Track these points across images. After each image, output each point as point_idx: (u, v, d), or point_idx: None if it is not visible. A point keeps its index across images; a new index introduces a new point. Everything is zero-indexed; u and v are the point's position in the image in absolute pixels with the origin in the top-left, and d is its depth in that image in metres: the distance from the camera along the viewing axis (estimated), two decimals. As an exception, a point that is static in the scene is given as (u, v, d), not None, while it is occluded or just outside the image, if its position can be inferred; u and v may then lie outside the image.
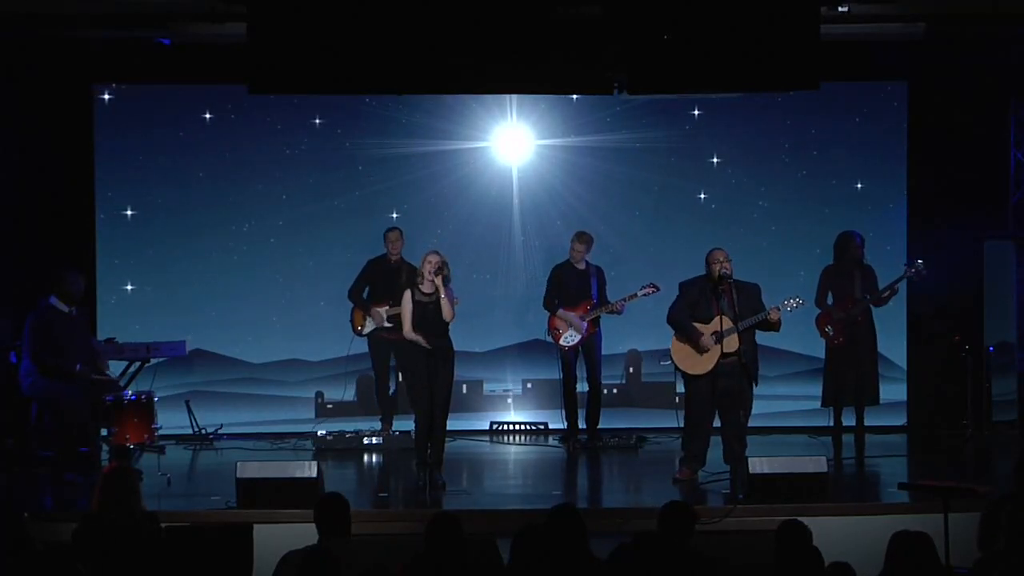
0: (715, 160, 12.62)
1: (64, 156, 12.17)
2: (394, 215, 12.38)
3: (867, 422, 11.83)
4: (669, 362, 10.10)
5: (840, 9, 10.01)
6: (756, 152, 12.63)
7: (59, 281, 10.39)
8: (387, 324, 11.60)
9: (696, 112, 12.54)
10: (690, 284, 9.97)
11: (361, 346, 12.06)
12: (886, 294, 11.72)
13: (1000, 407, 12.09)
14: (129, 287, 12.42)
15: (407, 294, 9.76)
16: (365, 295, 11.87)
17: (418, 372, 9.73)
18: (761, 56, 9.39)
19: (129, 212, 12.41)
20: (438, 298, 9.66)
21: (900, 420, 12.50)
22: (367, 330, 11.86)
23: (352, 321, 11.90)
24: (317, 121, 12.46)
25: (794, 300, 9.99)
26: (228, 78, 11.27)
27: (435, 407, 9.72)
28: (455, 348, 9.87)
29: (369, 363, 12.07)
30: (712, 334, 9.76)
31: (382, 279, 11.66)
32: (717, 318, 9.73)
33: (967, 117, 12.30)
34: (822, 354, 11.99)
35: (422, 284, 9.70)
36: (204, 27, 10.19)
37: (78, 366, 10.26)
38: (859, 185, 12.62)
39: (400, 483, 10.52)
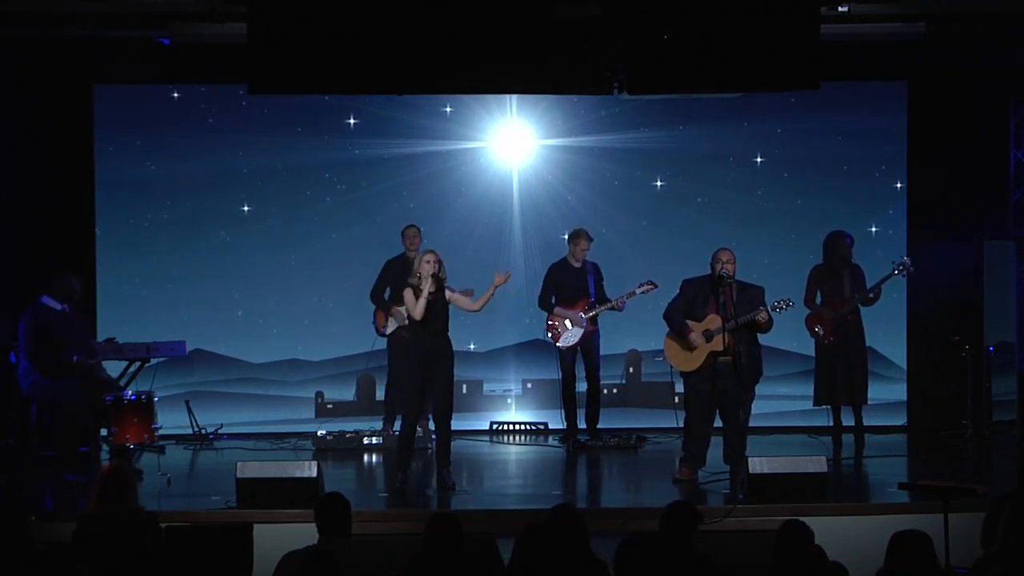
0: (714, 160, 12.62)
1: (64, 156, 12.16)
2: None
3: (867, 422, 11.84)
4: (662, 358, 10.17)
5: (840, 9, 10.00)
6: (755, 152, 12.62)
7: (46, 279, 10.44)
8: (407, 323, 11.60)
9: (695, 112, 12.52)
10: (692, 282, 10.01)
11: (364, 345, 12.08)
12: (872, 294, 11.71)
13: (1000, 407, 12.08)
14: (129, 287, 12.41)
15: (408, 293, 9.73)
16: (387, 296, 11.85)
17: (413, 375, 9.73)
18: (761, 56, 9.38)
19: (129, 212, 12.42)
20: (439, 297, 9.66)
21: (900, 420, 12.50)
22: (390, 330, 11.84)
23: (375, 322, 11.90)
24: (317, 121, 12.45)
25: (783, 302, 10.02)
26: (228, 78, 11.28)
27: (436, 407, 9.74)
28: (455, 348, 9.86)
29: (381, 363, 12.07)
30: (703, 332, 9.79)
31: (402, 278, 11.62)
32: (709, 317, 9.80)
33: (967, 117, 12.31)
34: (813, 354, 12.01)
35: (418, 282, 9.67)
36: (204, 27, 10.18)
37: (75, 358, 10.28)
38: (859, 185, 12.62)
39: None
